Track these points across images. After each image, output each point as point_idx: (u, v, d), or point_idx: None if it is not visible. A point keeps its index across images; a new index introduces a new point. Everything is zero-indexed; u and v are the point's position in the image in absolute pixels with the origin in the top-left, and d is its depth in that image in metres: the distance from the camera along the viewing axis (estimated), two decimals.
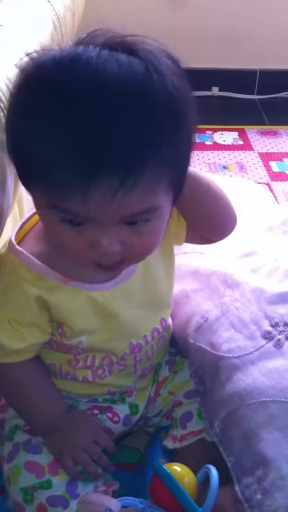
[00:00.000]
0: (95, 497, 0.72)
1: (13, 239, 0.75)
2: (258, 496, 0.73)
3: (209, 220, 0.81)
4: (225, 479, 0.77)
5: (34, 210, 0.76)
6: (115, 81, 0.56)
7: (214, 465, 0.76)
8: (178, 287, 0.95)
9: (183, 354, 0.94)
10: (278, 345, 0.83)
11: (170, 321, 0.91)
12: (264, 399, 0.78)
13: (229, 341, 0.86)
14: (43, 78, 0.59)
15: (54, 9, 1.14)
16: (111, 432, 0.89)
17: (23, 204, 1.12)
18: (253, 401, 0.79)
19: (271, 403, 0.77)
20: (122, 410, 0.89)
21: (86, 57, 0.57)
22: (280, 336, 0.84)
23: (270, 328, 0.85)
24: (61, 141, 0.56)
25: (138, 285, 0.79)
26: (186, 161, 0.65)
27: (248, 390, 0.79)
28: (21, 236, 0.77)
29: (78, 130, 0.56)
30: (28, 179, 0.64)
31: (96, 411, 0.88)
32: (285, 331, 0.84)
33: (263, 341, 0.84)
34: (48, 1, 1.13)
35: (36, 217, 0.78)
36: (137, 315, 0.80)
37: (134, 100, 0.56)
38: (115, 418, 0.89)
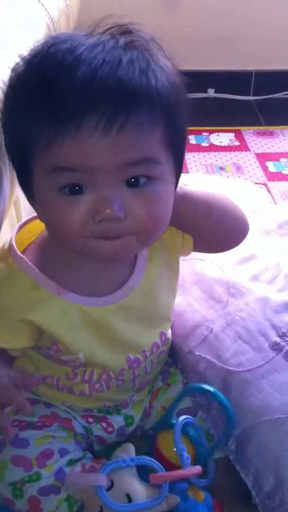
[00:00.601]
0: (80, 479, 0.75)
1: (13, 243, 0.74)
2: None
3: (217, 237, 0.79)
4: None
5: (33, 214, 0.76)
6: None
7: (223, 484, 0.82)
8: (180, 298, 0.94)
9: (179, 365, 0.92)
10: (287, 357, 0.83)
11: (169, 334, 0.89)
12: (278, 416, 0.77)
13: (237, 354, 0.85)
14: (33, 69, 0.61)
15: (48, 12, 1.13)
16: (104, 440, 0.88)
17: (20, 205, 1.12)
18: (267, 418, 0.78)
19: (286, 420, 0.77)
20: (117, 421, 0.88)
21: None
22: None
23: (278, 339, 0.84)
24: (51, 90, 0.58)
25: (138, 301, 0.76)
26: (182, 119, 0.65)
27: (262, 407, 0.79)
28: (21, 242, 0.76)
29: (67, 74, 0.57)
30: (28, 157, 0.62)
31: (91, 420, 0.87)
32: None
33: (272, 353, 0.83)
34: (42, 5, 1.13)
35: (37, 225, 0.77)
36: (136, 329, 0.79)
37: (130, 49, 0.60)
38: (109, 429, 0.88)
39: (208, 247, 0.82)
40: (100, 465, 0.79)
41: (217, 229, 0.77)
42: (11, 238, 0.75)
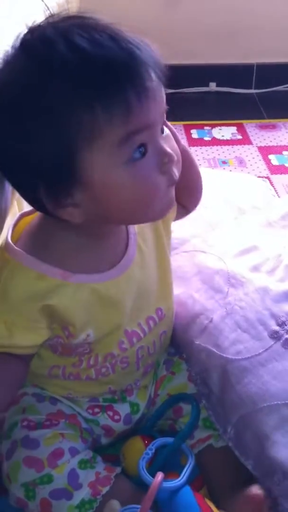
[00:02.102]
0: None
1: (9, 239, 0.75)
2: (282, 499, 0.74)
3: (191, 189, 0.87)
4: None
5: (23, 211, 0.79)
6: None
7: (223, 469, 0.83)
8: (181, 289, 0.95)
9: (182, 355, 0.93)
10: (286, 344, 0.83)
11: (171, 314, 0.90)
12: (276, 403, 0.78)
13: (236, 342, 0.85)
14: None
15: (47, 7, 1.14)
16: (112, 430, 0.89)
17: (22, 202, 1.12)
18: (265, 404, 0.78)
19: (283, 406, 0.77)
20: (123, 408, 0.89)
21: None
22: (287, 336, 0.84)
23: (277, 328, 0.85)
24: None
25: (136, 273, 0.79)
26: None
27: (260, 393, 0.79)
28: (17, 235, 0.76)
29: (103, 51, 0.61)
30: (74, 152, 0.62)
31: (97, 410, 0.88)
32: None
33: (271, 341, 0.84)
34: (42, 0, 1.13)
35: (25, 223, 0.77)
36: (135, 302, 0.81)
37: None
38: (116, 417, 0.89)
39: (180, 205, 0.87)
40: (114, 474, 0.80)
41: (193, 173, 0.85)
42: (7, 236, 0.75)
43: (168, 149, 0.67)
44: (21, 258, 0.73)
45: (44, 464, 0.78)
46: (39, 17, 1.07)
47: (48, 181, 0.65)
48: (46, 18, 0.66)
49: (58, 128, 0.61)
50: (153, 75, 0.64)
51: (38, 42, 0.63)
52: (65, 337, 0.78)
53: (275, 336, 0.84)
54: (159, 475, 0.77)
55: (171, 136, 0.70)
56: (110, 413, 0.89)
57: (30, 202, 0.72)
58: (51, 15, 0.67)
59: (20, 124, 0.63)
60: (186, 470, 0.80)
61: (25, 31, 0.65)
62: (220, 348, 0.86)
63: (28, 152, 0.63)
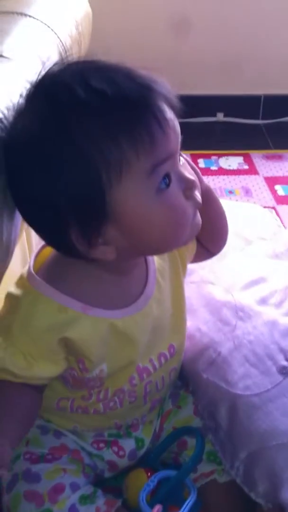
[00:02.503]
0: None
1: (31, 269, 0.75)
2: None
3: (216, 228, 0.88)
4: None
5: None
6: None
7: (227, 505, 0.83)
8: (189, 321, 0.94)
9: (188, 388, 0.93)
10: None
11: (181, 350, 0.90)
12: (285, 441, 0.77)
13: (245, 377, 0.85)
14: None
15: (60, 40, 1.16)
16: (116, 465, 0.88)
17: (31, 233, 1.13)
18: (274, 442, 0.78)
19: None
20: (128, 444, 0.89)
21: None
22: None
23: (285, 363, 0.85)
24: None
25: (154, 309, 0.80)
26: None
27: (269, 431, 0.79)
28: (38, 265, 0.77)
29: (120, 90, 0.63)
30: (103, 191, 0.64)
31: (102, 445, 0.88)
32: None
33: (280, 377, 0.83)
34: (55, 33, 1.15)
35: (48, 252, 0.78)
36: (150, 338, 0.81)
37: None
38: (121, 452, 0.88)
39: (204, 247, 0.89)
40: (115, 508, 0.79)
41: (219, 217, 0.87)
42: (29, 266, 0.76)
43: (190, 176, 0.69)
44: (43, 289, 0.73)
45: (44, 499, 0.78)
46: (53, 51, 1.09)
47: (80, 222, 0.65)
48: (58, 63, 0.68)
49: (88, 169, 0.63)
50: (169, 106, 0.66)
51: (58, 89, 0.64)
52: (79, 370, 0.78)
53: (283, 371, 0.84)
54: (157, 507, 0.76)
55: (187, 164, 0.72)
56: (115, 449, 0.88)
57: (60, 248, 0.72)
58: (64, 59, 0.69)
59: (49, 170, 0.64)
60: (187, 504, 0.79)
61: (42, 77, 0.67)
62: (228, 383, 0.86)
63: (59, 197, 0.64)
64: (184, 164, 0.71)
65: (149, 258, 0.81)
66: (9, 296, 0.76)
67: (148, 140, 0.63)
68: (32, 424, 0.81)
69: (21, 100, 0.68)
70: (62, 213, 0.65)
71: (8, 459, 0.69)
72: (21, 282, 0.76)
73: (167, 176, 0.66)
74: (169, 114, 0.65)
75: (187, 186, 0.69)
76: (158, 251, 0.77)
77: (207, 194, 0.81)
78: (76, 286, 0.74)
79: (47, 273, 0.75)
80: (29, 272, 0.75)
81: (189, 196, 0.69)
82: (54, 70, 0.67)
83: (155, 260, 0.82)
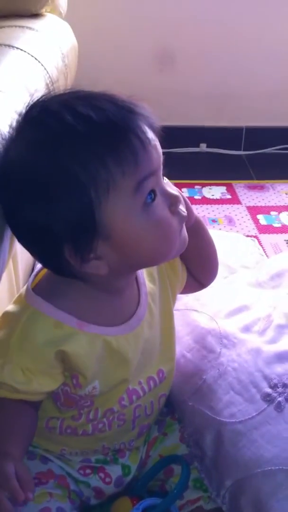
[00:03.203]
0: None
1: (29, 287, 0.77)
2: None
3: (206, 261, 0.90)
4: None
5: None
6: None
7: None
8: None
9: (174, 415, 0.93)
10: (279, 408, 0.83)
11: (171, 377, 0.90)
12: (270, 468, 0.78)
13: (229, 405, 0.85)
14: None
15: (47, 72, 1.18)
16: (102, 492, 0.88)
17: (17, 260, 1.14)
18: (259, 470, 0.78)
19: (278, 472, 0.77)
20: (115, 470, 0.89)
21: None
22: (280, 399, 0.84)
23: (269, 390, 0.85)
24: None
25: (146, 331, 0.81)
26: None
27: (254, 458, 0.79)
28: (35, 284, 0.78)
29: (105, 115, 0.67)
30: (92, 211, 0.66)
31: (88, 471, 0.88)
32: (285, 393, 0.84)
33: (264, 404, 0.84)
34: (42, 65, 1.17)
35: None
36: (140, 360, 0.82)
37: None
38: (107, 479, 0.88)
39: (195, 279, 0.92)
40: None
41: (209, 250, 0.89)
42: (28, 284, 0.78)
43: (174, 191, 0.73)
44: (39, 305, 0.74)
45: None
46: (40, 82, 1.11)
47: (73, 240, 0.68)
48: (45, 94, 0.71)
49: (78, 190, 0.65)
50: (149, 127, 0.69)
51: (45, 116, 0.68)
52: (72, 386, 0.78)
53: (267, 399, 0.84)
54: None
55: (170, 183, 0.74)
56: (102, 475, 0.88)
57: (54, 268, 0.74)
58: (50, 91, 0.73)
59: (42, 194, 0.67)
60: None
61: (30, 106, 0.70)
62: (213, 410, 0.86)
63: (51, 218, 0.67)
64: (168, 182, 0.74)
65: (141, 280, 0.83)
66: (6, 314, 0.78)
67: (132, 159, 0.66)
68: (31, 441, 0.80)
69: (11, 130, 0.71)
70: (55, 233, 0.67)
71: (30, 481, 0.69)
72: (19, 299, 0.78)
73: (152, 192, 0.69)
74: (150, 134, 0.69)
75: (172, 201, 0.72)
76: (148, 264, 0.80)
77: (198, 225, 0.84)
78: (71, 303, 0.75)
79: (44, 290, 0.76)
80: (27, 289, 0.77)
81: (174, 211, 0.72)
82: (42, 100, 0.70)
83: (147, 284, 0.84)
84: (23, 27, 1.30)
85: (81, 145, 0.65)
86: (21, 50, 1.16)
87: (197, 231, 0.82)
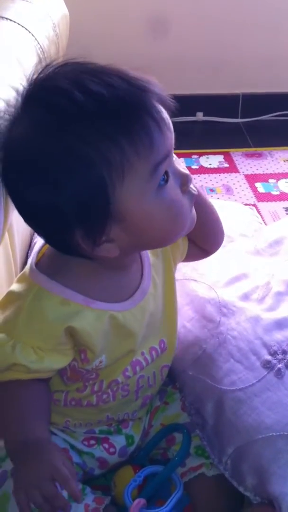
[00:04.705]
0: None
1: (33, 265, 0.76)
2: None
3: (209, 230, 0.89)
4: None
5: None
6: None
7: (215, 498, 0.83)
8: None
9: (175, 384, 0.94)
10: (279, 374, 0.84)
11: (172, 348, 0.90)
12: (271, 434, 0.78)
13: (230, 373, 0.86)
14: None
15: (38, 42, 1.16)
16: (106, 462, 0.89)
17: (13, 233, 1.13)
18: (260, 436, 0.79)
19: (279, 438, 0.78)
20: (118, 441, 0.89)
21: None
22: (280, 365, 0.84)
23: (269, 357, 0.86)
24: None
25: (150, 304, 0.82)
26: None
27: (255, 425, 0.80)
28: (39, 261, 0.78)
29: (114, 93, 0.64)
30: (108, 193, 0.65)
31: (92, 442, 0.88)
32: (285, 359, 0.85)
33: (264, 371, 0.84)
34: (32, 35, 1.15)
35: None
36: (144, 332, 0.82)
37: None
38: (111, 449, 0.89)
39: (198, 247, 0.91)
40: (103, 505, 0.80)
41: (212, 218, 0.88)
42: (32, 262, 0.77)
43: (185, 171, 0.72)
44: (45, 283, 0.74)
45: None
46: (31, 53, 1.10)
47: (86, 224, 0.67)
48: (48, 66, 0.68)
49: (91, 171, 0.64)
50: (163, 106, 0.67)
51: (54, 94, 0.65)
52: (80, 361, 0.79)
53: (267, 366, 0.85)
54: (138, 500, 0.78)
55: (178, 159, 0.73)
56: (106, 446, 0.89)
57: (63, 248, 0.73)
58: (50, 64, 0.68)
59: (54, 177, 0.65)
60: (172, 498, 0.80)
61: (34, 82, 0.67)
62: (214, 379, 0.86)
63: (64, 202, 0.65)
64: (177, 160, 0.72)
65: (144, 253, 0.83)
66: (11, 294, 0.77)
67: (148, 142, 0.65)
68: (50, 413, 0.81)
69: (10, 108, 0.68)
70: (68, 217, 0.66)
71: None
72: (23, 278, 0.77)
73: (165, 173, 0.68)
74: (165, 113, 0.67)
75: (183, 180, 0.71)
76: (159, 245, 0.80)
77: (199, 196, 0.82)
78: (77, 280, 0.75)
79: (48, 268, 0.76)
80: (31, 268, 0.76)
81: (186, 190, 0.72)
82: (48, 74, 0.67)
83: (149, 257, 0.84)
84: None
85: (94, 126, 0.63)
86: (11, 20, 1.14)
87: (199, 202, 0.81)
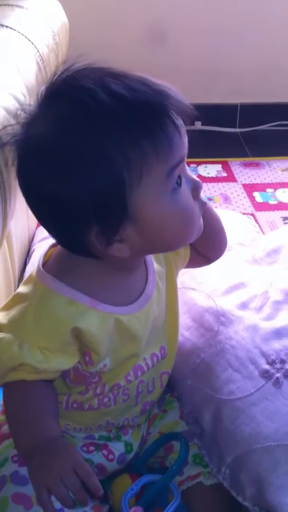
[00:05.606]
0: None
1: (41, 267, 0.77)
2: None
3: (214, 239, 0.91)
4: None
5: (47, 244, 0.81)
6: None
7: (213, 507, 0.83)
8: None
9: (173, 392, 0.94)
10: (277, 384, 0.83)
11: (172, 355, 0.90)
12: (269, 444, 0.78)
13: (228, 382, 0.85)
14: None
15: (38, 50, 1.16)
16: (105, 469, 0.88)
17: (12, 240, 1.13)
18: (259, 446, 0.78)
19: (277, 448, 0.77)
20: (118, 448, 0.89)
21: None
22: (278, 375, 0.84)
23: (267, 366, 0.85)
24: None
25: (154, 309, 0.82)
26: None
27: (253, 434, 0.79)
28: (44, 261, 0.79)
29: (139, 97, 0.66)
30: (124, 193, 0.66)
31: (91, 448, 0.88)
32: (283, 369, 0.85)
33: (262, 381, 0.84)
34: (32, 43, 1.16)
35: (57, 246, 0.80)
36: (147, 338, 0.82)
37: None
38: (110, 456, 0.88)
39: (201, 254, 0.92)
40: None
41: (215, 226, 0.89)
42: (38, 264, 0.77)
43: (196, 178, 0.74)
44: (52, 284, 0.74)
45: (32, 501, 0.77)
46: (30, 61, 1.10)
47: (102, 222, 0.68)
48: (67, 69, 0.69)
49: (112, 169, 0.65)
50: (181, 112, 0.69)
51: (77, 92, 0.66)
52: (84, 363, 0.79)
53: (265, 375, 0.85)
54: (134, 508, 0.77)
55: (188, 168, 0.75)
56: (105, 452, 0.88)
57: (74, 247, 0.74)
58: (69, 67, 0.69)
59: (76, 174, 0.66)
60: (170, 507, 0.80)
61: (56, 83, 0.68)
62: (212, 388, 0.86)
63: (83, 199, 0.66)
64: (187, 167, 0.74)
65: (148, 259, 0.84)
66: (17, 295, 0.77)
67: (167, 144, 0.66)
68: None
69: (26, 106, 0.70)
70: (85, 214, 0.67)
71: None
72: (29, 279, 0.77)
73: (178, 177, 0.70)
74: (180, 119, 0.69)
75: (195, 186, 0.73)
76: (169, 248, 0.81)
77: (207, 211, 0.84)
78: (83, 281, 0.75)
79: (55, 269, 0.76)
80: (38, 269, 0.77)
81: (196, 196, 0.74)
82: (67, 76, 0.69)
83: (154, 263, 0.84)
84: (12, 5, 1.29)
85: (117, 125, 0.65)
86: (11, 28, 1.15)
87: (206, 210, 0.81)
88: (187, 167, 0.73)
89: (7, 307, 0.77)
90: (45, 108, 0.69)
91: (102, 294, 0.76)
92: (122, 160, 0.65)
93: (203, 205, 0.75)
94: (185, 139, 0.70)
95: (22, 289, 0.77)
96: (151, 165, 0.66)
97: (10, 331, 0.74)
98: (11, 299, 0.78)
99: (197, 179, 0.74)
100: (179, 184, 0.70)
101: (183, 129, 0.69)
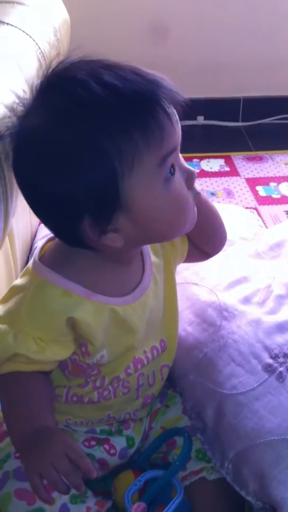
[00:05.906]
0: None
1: (37, 259, 0.77)
2: None
3: (211, 232, 0.90)
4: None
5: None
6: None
7: (216, 502, 0.84)
8: None
9: (176, 388, 0.94)
10: (281, 378, 0.83)
11: (173, 348, 0.91)
12: (272, 438, 0.78)
13: (231, 377, 0.86)
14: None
15: (39, 47, 1.16)
16: (106, 464, 0.89)
17: (14, 237, 1.14)
18: (261, 440, 0.78)
19: (280, 442, 0.77)
20: (119, 442, 0.89)
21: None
22: (281, 369, 0.84)
23: (270, 361, 0.86)
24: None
25: (150, 300, 0.82)
26: None
27: (256, 429, 0.79)
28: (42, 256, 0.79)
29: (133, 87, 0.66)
30: (117, 182, 0.66)
31: (93, 442, 0.88)
32: (286, 363, 0.85)
33: (265, 375, 0.84)
34: (33, 40, 1.16)
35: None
36: (145, 329, 0.83)
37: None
38: (112, 451, 0.89)
39: (199, 249, 0.91)
40: (105, 508, 0.80)
41: (214, 220, 0.89)
42: (35, 256, 0.78)
43: (190, 168, 0.73)
44: (47, 275, 0.75)
45: (35, 497, 0.76)
46: (32, 58, 1.10)
47: (94, 211, 0.68)
48: (63, 61, 0.70)
49: (103, 158, 0.65)
50: (173, 102, 0.69)
51: (70, 83, 0.67)
52: (81, 354, 0.79)
53: (269, 369, 0.85)
54: (137, 504, 0.78)
55: (182, 158, 0.75)
56: (107, 447, 0.88)
57: (69, 238, 0.74)
58: (65, 59, 0.70)
59: (68, 163, 0.66)
60: (173, 503, 0.80)
61: (49, 75, 0.69)
62: (215, 383, 0.86)
63: (76, 188, 0.66)
64: (181, 157, 0.74)
65: (145, 251, 0.84)
66: (13, 287, 0.78)
67: (159, 133, 0.66)
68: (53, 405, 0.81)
69: (23, 99, 0.70)
70: (78, 203, 0.67)
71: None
72: (25, 272, 0.78)
73: (172, 166, 0.70)
74: (173, 108, 0.69)
75: (189, 175, 0.73)
76: (164, 238, 0.81)
77: (205, 205, 0.84)
78: (79, 273, 0.76)
79: (51, 261, 0.77)
80: (34, 261, 0.77)
81: (190, 186, 0.73)
82: (62, 68, 0.69)
83: (151, 255, 0.84)
84: (13, 2, 1.28)
85: (108, 115, 0.65)
86: (12, 25, 1.15)
87: (200, 202, 0.81)
88: (181, 157, 0.73)
89: (4, 300, 0.78)
90: (39, 101, 0.69)
91: (98, 286, 0.76)
92: (113, 150, 0.65)
93: (196, 195, 0.75)
94: (178, 128, 0.69)
95: (18, 281, 0.78)
96: (143, 154, 0.66)
97: (6, 322, 0.75)
98: (8, 292, 0.79)
99: (192, 168, 0.73)
100: (172, 173, 0.70)
101: (175, 117, 0.69)
